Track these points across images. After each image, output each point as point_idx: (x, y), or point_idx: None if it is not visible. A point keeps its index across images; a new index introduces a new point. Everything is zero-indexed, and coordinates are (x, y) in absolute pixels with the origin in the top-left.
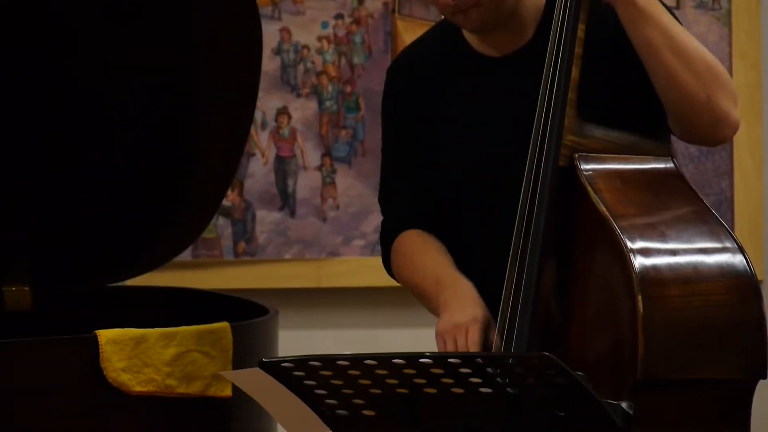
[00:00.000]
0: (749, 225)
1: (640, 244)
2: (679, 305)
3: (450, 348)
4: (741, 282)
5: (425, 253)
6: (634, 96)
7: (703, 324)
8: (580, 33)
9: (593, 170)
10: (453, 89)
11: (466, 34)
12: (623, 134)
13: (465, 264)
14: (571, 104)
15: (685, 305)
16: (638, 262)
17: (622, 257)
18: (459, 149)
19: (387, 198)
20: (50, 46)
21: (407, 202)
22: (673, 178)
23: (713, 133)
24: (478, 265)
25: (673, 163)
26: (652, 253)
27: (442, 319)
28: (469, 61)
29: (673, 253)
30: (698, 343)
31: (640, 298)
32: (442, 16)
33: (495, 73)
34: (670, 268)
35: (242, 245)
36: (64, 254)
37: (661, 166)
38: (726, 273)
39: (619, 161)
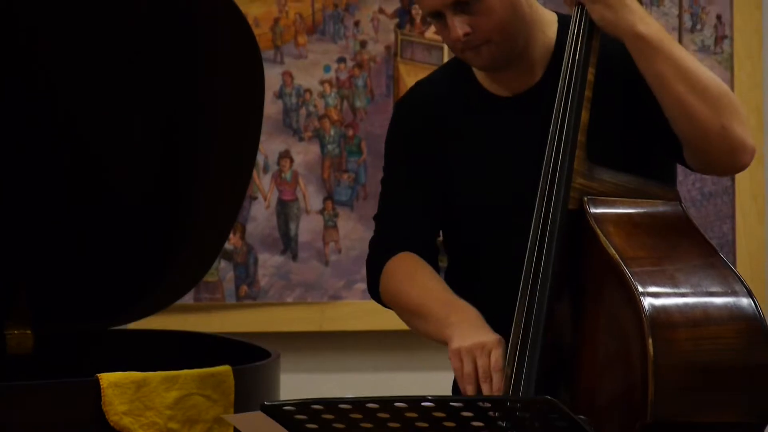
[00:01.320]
0: (751, 268)
1: (650, 288)
2: (689, 348)
3: (468, 368)
4: (750, 326)
5: (428, 275)
6: (645, 134)
7: (712, 367)
8: (590, 76)
9: (602, 214)
10: (462, 127)
11: (477, 73)
12: (632, 178)
13: (469, 297)
14: (580, 147)
15: (695, 348)
16: (648, 304)
17: (633, 300)
18: (469, 187)
19: (382, 220)
20: (49, 89)
21: (403, 225)
22: (682, 221)
23: (731, 161)
24: (483, 301)
25: (681, 207)
26: (662, 296)
27: (460, 337)
28: (479, 100)
29: (683, 296)
30: (708, 387)
31: (650, 341)
32: (452, 54)
33: (504, 112)
34: (680, 311)
35: (244, 289)
36: (66, 297)
37: (670, 209)
38: (735, 317)
39: (628, 205)
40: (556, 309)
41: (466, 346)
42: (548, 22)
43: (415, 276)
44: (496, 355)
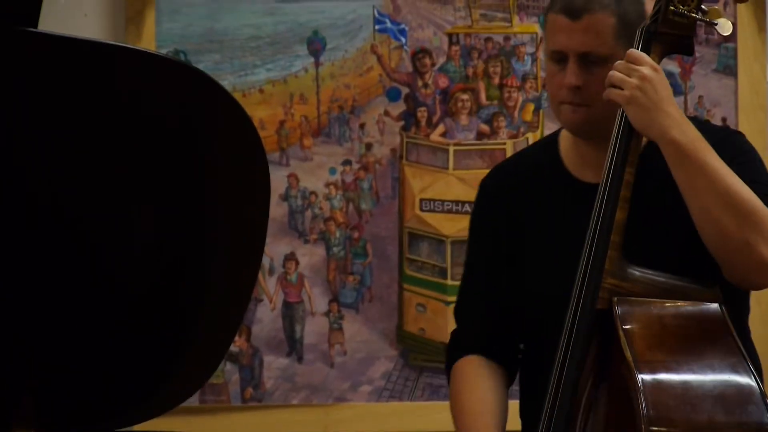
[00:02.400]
0: None
1: (654, 394)
2: None
3: None
4: None
5: (476, 394)
6: (682, 236)
7: None
8: (628, 176)
9: (630, 314)
10: (541, 207)
11: (564, 157)
12: (668, 278)
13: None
14: (614, 247)
15: None
16: (648, 411)
17: (636, 405)
18: (538, 265)
19: (461, 310)
20: (52, 194)
21: (478, 316)
22: (715, 324)
23: (751, 278)
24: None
25: (721, 308)
26: (666, 403)
27: None
28: (562, 183)
29: (690, 403)
30: None
31: None
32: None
33: (586, 200)
34: (684, 418)
35: (249, 391)
36: (70, 399)
37: (705, 311)
38: (742, 426)
39: (659, 306)
40: (590, 397)
41: None
42: None
43: (461, 395)
44: None
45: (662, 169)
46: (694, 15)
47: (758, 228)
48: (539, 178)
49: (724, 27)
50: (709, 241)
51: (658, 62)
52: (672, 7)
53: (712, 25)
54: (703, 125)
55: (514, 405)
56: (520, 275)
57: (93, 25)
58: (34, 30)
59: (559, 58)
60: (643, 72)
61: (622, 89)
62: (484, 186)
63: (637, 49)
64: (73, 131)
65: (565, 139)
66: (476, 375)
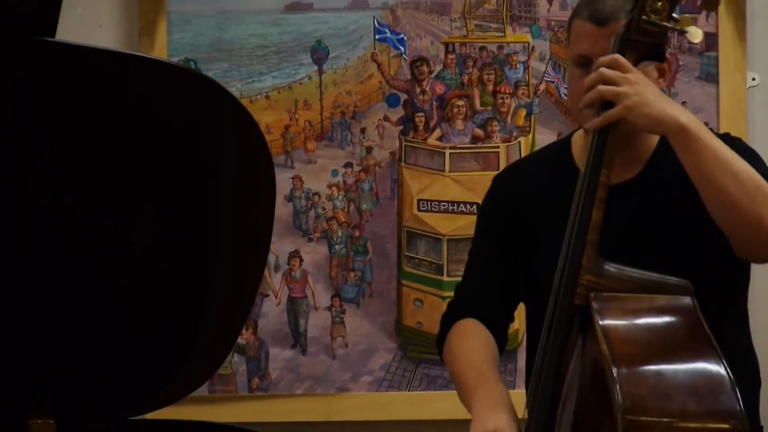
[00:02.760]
0: None
1: (631, 386)
2: None
3: None
4: (732, 426)
5: (477, 344)
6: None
7: None
8: (604, 178)
9: (606, 309)
10: (551, 202)
11: (575, 153)
12: (643, 274)
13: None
14: (590, 245)
15: None
16: (625, 402)
17: (613, 396)
18: (545, 257)
19: (462, 283)
20: (62, 198)
21: (478, 293)
22: (688, 317)
23: (761, 251)
24: None
25: (693, 301)
26: (641, 394)
27: (478, 420)
28: (571, 178)
29: (664, 393)
30: None
31: None
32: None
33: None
34: (657, 408)
35: (256, 381)
36: (87, 389)
37: (677, 304)
38: (714, 415)
39: (634, 300)
40: (573, 389)
41: (482, 430)
42: None
43: (465, 343)
44: None
45: (675, 169)
46: (665, 24)
47: (766, 201)
48: (552, 176)
49: (695, 35)
50: (722, 219)
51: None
52: (644, 17)
53: (682, 33)
54: None
55: (520, 395)
56: (531, 267)
57: (108, 35)
58: (52, 39)
59: (583, 62)
60: (630, 77)
61: (617, 103)
62: (497, 182)
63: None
64: (89, 135)
65: (578, 141)
66: (473, 331)
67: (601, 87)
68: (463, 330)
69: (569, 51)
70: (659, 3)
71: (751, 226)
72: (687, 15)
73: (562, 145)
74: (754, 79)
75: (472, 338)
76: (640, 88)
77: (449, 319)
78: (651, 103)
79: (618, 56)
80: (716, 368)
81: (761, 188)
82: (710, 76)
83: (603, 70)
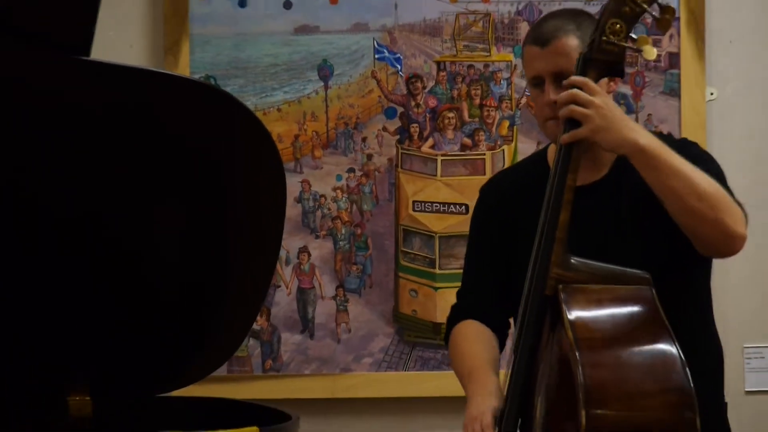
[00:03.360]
0: None
1: (593, 367)
2: (620, 419)
3: None
4: (681, 400)
5: (471, 345)
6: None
7: None
8: (570, 182)
9: (573, 298)
10: (532, 209)
11: (551, 161)
12: (606, 267)
13: None
14: (559, 242)
15: (625, 419)
16: (587, 381)
17: (577, 376)
18: (525, 257)
19: (463, 291)
20: (95, 202)
21: (476, 296)
22: (645, 305)
23: (721, 249)
24: None
25: (651, 291)
26: (602, 375)
27: (470, 407)
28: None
29: (622, 374)
30: None
31: (583, 413)
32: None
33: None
34: (617, 386)
35: (269, 362)
36: (120, 369)
37: (637, 294)
38: (667, 391)
39: (598, 291)
40: (541, 369)
41: (468, 418)
42: None
43: (466, 342)
44: (486, 422)
45: (636, 173)
46: (623, 44)
47: (723, 208)
48: (531, 184)
49: (650, 53)
50: (684, 224)
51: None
52: (604, 38)
53: (638, 51)
54: (659, 135)
55: None
56: (515, 265)
57: (137, 55)
58: (87, 58)
59: (537, 82)
60: (596, 101)
61: (583, 124)
62: (483, 193)
63: (577, 72)
64: (123, 143)
65: (552, 152)
66: (473, 331)
67: (572, 107)
68: (463, 331)
69: (526, 75)
70: (617, 25)
71: (711, 230)
72: (644, 35)
73: (539, 156)
74: (712, 94)
75: (469, 338)
76: (604, 111)
77: (453, 322)
78: (613, 127)
79: (588, 81)
80: (670, 350)
81: (717, 196)
82: (673, 91)
83: (575, 91)
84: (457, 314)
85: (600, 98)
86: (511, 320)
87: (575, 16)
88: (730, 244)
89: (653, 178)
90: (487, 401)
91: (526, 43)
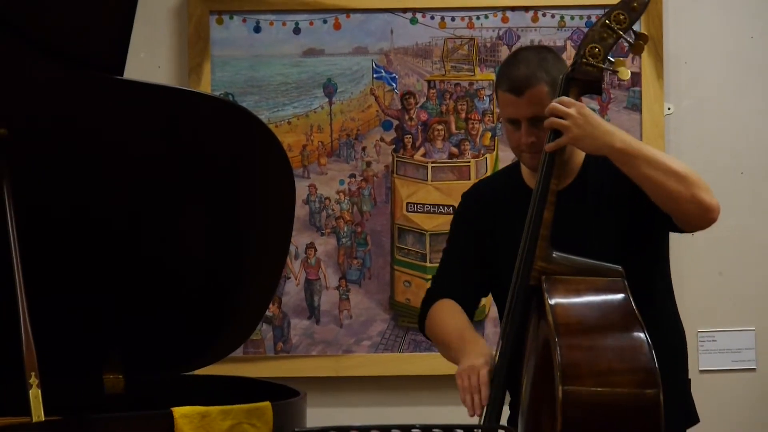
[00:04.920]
0: None
1: (569, 349)
2: (592, 393)
3: (466, 384)
4: (646, 378)
5: (455, 316)
6: (644, 217)
7: (611, 406)
8: (553, 186)
9: (554, 288)
10: (507, 213)
11: (523, 173)
12: (584, 260)
13: None
14: (543, 238)
15: (596, 393)
16: (563, 360)
17: (555, 356)
18: (505, 256)
19: (438, 275)
20: (137, 206)
21: (451, 282)
22: (618, 294)
23: (697, 221)
24: None
25: (623, 282)
26: (577, 355)
27: (462, 363)
28: (521, 194)
29: (595, 355)
30: (606, 420)
31: (560, 387)
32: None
33: None
34: (589, 365)
35: (280, 345)
36: (149, 351)
37: (611, 285)
38: (634, 370)
39: (577, 282)
40: (527, 351)
41: (464, 368)
42: None
43: (447, 316)
44: (483, 373)
45: (600, 178)
46: (601, 65)
47: (694, 183)
48: (507, 193)
49: (625, 74)
50: (664, 205)
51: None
52: (584, 60)
53: (615, 72)
54: None
55: None
56: (492, 264)
57: (165, 74)
58: (121, 78)
59: (512, 122)
60: (572, 113)
61: (564, 133)
62: (465, 198)
63: (559, 90)
64: (153, 152)
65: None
66: (451, 307)
67: (552, 119)
68: (442, 306)
69: (501, 115)
70: (596, 49)
71: (690, 206)
72: (620, 58)
73: (513, 168)
74: (669, 109)
75: (450, 311)
76: (581, 121)
77: (429, 301)
78: (591, 133)
79: (564, 97)
80: (638, 335)
81: (689, 173)
82: (635, 106)
83: (554, 105)
84: (433, 295)
85: (575, 109)
86: (497, 313)
87: (542, 61)
88: (707, 216)
89: (633, 171)
90: (481, 358)
91: (499, 87)
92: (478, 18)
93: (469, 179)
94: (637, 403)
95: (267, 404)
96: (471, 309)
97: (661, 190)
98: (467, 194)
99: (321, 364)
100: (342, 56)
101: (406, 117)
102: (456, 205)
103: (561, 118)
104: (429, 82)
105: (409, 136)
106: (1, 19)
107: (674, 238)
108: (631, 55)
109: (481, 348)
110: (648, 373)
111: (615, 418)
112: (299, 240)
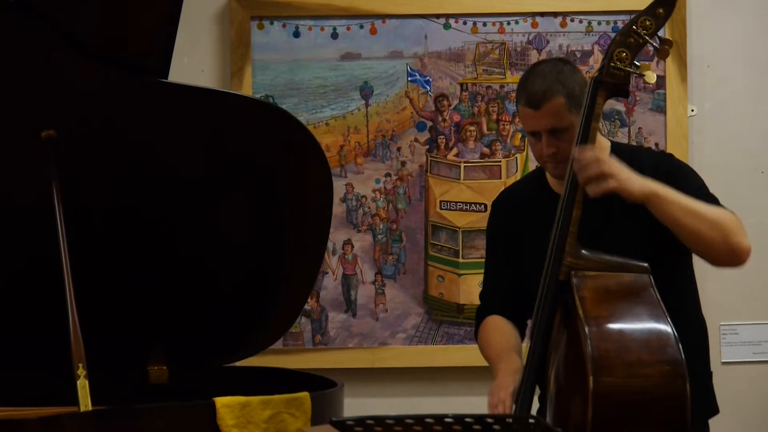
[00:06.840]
0: None
1: (599, 340)
2: (622, 384)
3: (491, 400)
4: (673, 369)
5: (498, 334)
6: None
7: (641, 397)
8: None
9: (583, 283)
10: (534, 217)
11: (549, 179)
12: (612, 257)
13: None
14: (572, 235)
15: (627, 383)
16: (594, 351)
17: (585, 347)
18: (532, 258)
19: (484, 293)
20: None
21: (496, 296)
22: (645, 290)
23: (734, 261)
24: None
25: (649, 278)
26: (608, 346)
27: (494, 381)
28: (547, 198)
29: (625, 346)
30: (637, 410)
31: (591, 378)
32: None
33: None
34: (620, 357)
35: (318, 337)
36: (193, 343)
37: (638, 280)
38: (662, 362)
39: (605, 277)
40: (557, 346)
41: (495, 386)
42: (604, 147)
43: (491, 333)
44: (506, 393)
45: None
46: (628, 69)
47: (729, 229)
48: (533, 195)
49: (650, 77)
50: (696, 249)
51: (603, 103)
52: (612, 64)
53: (641, 76)
54: (640, 148)
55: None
56: (522, 266)
57: (208, 78)
58: (167, 81)
59: (533, 134)
60: (605, 170)
61: (609, 185)
62: (495, 206)
63: (588, 94)
64: (201, 151)
65: None
66: (496, 325)
67: (595, 188)
68: (488, 325)
69: (523, 127)
70: (624, 54)
71: (722, 250)
72: (645, 62)
73: (539, 174)
74: (693, 111)
75: (494, 328)
76: (616, 171)
77: (480, 318)
78: (630, 179)
79: (589, 155)
80: (665, 328)
81: (723, 219)
82: (659, 108)
83: (589, 174)
84: (483, 313)
85: (606, 165)
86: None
87: (558, 73)
88: (738, 258)
89: (666, 217)
90: (510, 377)
91: (518, 102)
92: (508, 23)
93: (500, 178)
94: (665, 394)
95: (305, 394)
96: (519, 320)
97: (694, 235)
98: (496, 203)
99: (357, 356)
100: (378, 60)
101: (440, 118)
102: (488, 202)
103: (598, 178)
104: (461, 85)
105: (442, 136)
106: (50, 25)
107: None
108: (656, 59)
109: (513, 367)
110: (675, 365)
111: (644, 408)
112: (336, 236)
